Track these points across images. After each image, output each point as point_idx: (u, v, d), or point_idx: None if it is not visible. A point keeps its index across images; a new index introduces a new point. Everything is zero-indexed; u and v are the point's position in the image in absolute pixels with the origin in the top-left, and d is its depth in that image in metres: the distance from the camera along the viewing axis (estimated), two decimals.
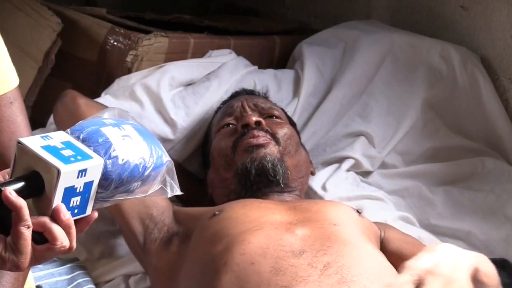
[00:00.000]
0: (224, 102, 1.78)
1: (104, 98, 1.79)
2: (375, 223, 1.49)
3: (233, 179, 1.56)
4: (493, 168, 1.81)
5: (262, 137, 1.57)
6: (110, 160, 0.95)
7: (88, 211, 0.97)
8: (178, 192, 1.05)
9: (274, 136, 1.59)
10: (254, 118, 1.61)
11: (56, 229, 0.93)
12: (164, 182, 1.04)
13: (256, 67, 2.00)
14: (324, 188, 1.74)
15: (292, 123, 1.75)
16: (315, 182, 1.74)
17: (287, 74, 1.99)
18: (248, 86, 1.90)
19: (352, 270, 1.21)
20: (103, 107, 1.72)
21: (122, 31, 1.88)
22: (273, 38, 2.15)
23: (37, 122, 1.76)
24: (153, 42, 1.87)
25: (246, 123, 1.61)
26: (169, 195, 1.04)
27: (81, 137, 0.97)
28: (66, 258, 1.65)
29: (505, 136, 1.88)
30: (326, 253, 1.24)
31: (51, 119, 1.78)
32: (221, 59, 1.95)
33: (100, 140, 0.96)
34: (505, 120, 1.88)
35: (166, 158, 1.03)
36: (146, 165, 0.98)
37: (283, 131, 1.62)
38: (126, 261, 1.63)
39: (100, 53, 1.90)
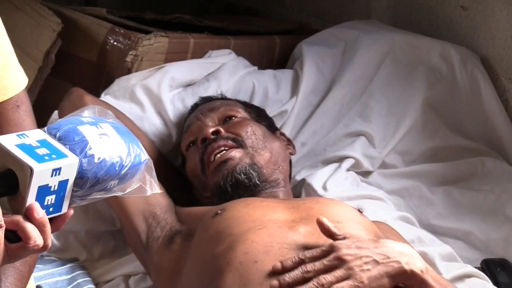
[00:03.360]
0: (186, 118, 1.76)
1: (104, 99, 1.79)
2: (378, 224, 1.49)
3: (212, 197, 1.56)
4: (493, 168, 1.81)
5: (224, 149, 1.55)
6: (86, 159, 0.95)
7: (64, 209, 0.97)
8: (157, 190, 1.05)
9: (236, 140, 1.58)
10: (211, 130, 1.59)
11: (30, 228, 0.93)
12: (143, 181, 1.04)
13: (255, 67, 2.00)
14: (324, 187, 1.74)
15: (258, 112, 1.73)
16: (316, 182, 1.74)
17: (286, 74, 1.98)
18: (247, 87, 1.90)
19: None
20: (109, 105, 1.72)
21: (122, 31, 1.88)
22: (273, 38, 2.15)
23: (37, 122, 1.75)
24: (153, 42, 1.87)
25: (203, 138, 1.60)
26: (149, 193, 1.05)
27: (57, 135, 0.97)
28: (66, 258, 1.65)
29: (505, 136, 1.88)
30: None
31: (52, 118, 1.78)
32: (221, 60, 1.95)
33: (77, 138, 0.96)
34: (505, 120, 1.88)
35: (144, 156, 1.03)
36: (123, 163, 0.98)
37: (245, 130, 1.60)
38: (126, 261, 1.63)
39: (100, 53, 1.90)
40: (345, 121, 1.91)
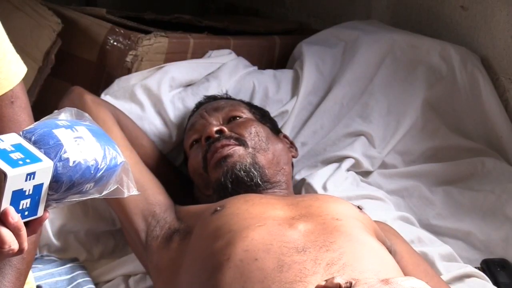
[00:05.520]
0: (190, 117, 1.76)
1: (104, 99, 1.79)
2: (378, 224, 1.48)
3: (213, 195, 1.56)
4: (493, 168, 1.82)
5: (226, 147, 1.55)
6: (61, 163, 0.95)
7: (40, 212, 0.97)
8: (135, 192, 1.05)
9: (239, 140, 1.58)
10: (215, 128, 1.59)
11: (4, 232, 0.93)
12: (120, 182, 1.04)
13: (255, 67, 2.00)
14: (324, 187, 1.74)
15: (262, 113, 1.73)
16: (316, 181, 1.74)
17: (286, 74, 1.98)
18: (248, 87, 1.90)
19: (356, 268, 1.20)
20: (109, 104, 1.73)
21: (122, 31, 1.88)
22: (273, 38, 2.15)
23: None
24: (153, 42, 1.87)
25: (207, 136, 1.60)
26: (126, 195, 1.05)
27: (32, 139, 0.97)
28: (66, 258, 1.65)
29: (505, 136, 1.88)
30: (329, 249, 1.24)
31: None
32: (221, 60, 1.95)
33: (51, 142, 0.96)
34: (505, 120, 1.89)
35: (120, 159, 1.03)
36: (99, 166, 0.99)
37: (248, 131, 1.61)
38: (126, 261, 1.63)
39: (100, 53, 1.90)
40: (345, 121, 1.91)
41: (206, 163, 1.58)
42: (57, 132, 0.98)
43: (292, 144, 1.73)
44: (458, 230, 1.73)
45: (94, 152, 0.99)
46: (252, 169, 1.53)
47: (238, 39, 2.07)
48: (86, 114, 1.06)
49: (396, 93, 1.94)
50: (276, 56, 2.14)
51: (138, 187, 1.52)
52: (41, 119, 1.02)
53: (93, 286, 1.58)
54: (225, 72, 1.90)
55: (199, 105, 1.77)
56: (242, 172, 1.52)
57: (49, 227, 1.65)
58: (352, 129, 1.89)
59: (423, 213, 1.78)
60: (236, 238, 1.28)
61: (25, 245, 0.96)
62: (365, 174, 1.85)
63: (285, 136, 1.74)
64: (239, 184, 1.52)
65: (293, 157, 1.70)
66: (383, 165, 1.87)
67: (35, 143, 0.96)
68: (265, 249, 1.25)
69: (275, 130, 1.71)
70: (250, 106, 1.75)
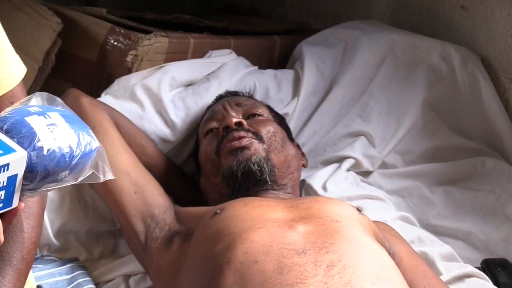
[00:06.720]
0: (210, 107, 1.78)
1: (104, 99, 1.79)
2: (378, 224, 1.49)
3: (221, 183, 1.56)
4: (493, 168, 1.82)
5: (244, 138, 1.56)
6: (35, 152, 0.93)
7: (15, 203, 0.95)
8: (111, 176, 1.03)
9: (256, 134, 1.59)
10: (235, 120, 1.61)
11: None
12: (96, 168, 1.01)
13: (256, 67, 2.00)
14: (324, 188, 1.74)
15: (280, 118, 1.75)
16: (316, 182, 1.74)
17: (287, 74, 1.99)
18: (248, 86, 1.90)
19: (356, 269, 1.21)
20: (106, 106, 1.73)
21: (122, 31, 1.88)
22: (273, 38, 2.15)
23: None
24: (153, 42, 1.87)
25: (226, 125, 1.61)
26: (102, 180, 1.02)
27: (4, 128, 0.94)
28: (66, 258, 1.66)
29: (505, 136, 1.88)
30: (329, 251, 1.24)
31: None
32: (221, 59, 1.95)
33: (24, 130, 0.94)
34: (505, 120, 1.89)
35: (95, 144, 1.00)
36: (74, 154, 0.96)
37: (266, 129, 1.62)
38: (126, 261, 1.63)
39: (100, 53, 1.89)
40: (345, 121, 1.91)
41: (220, 148, 1.58)
42: (29, 119, 0.95)
43: (303, 155, 1.74)
44: (458, 230, 1.73)
45: (68, 139, 0.96)
46: (265, 165, 1.54)
47: (238, 39, 2.07)
48: (58, 99, 1.03)
49: (396, 93, 1.94)
50: (276, 56, 2.14)
51: (137, 189, 1.55)
52: (12, 106, 0.99)
53: (93, 286, 1.58)
54: (225, 72, 1.90)
55: (219, 97, 1.78)
56: (255, 166, 1.53)
57: (49, 227, 1.65)
58: (352, 129, 1.89)
59: (423, 213, 1.78)
60: (236, 241, 1.28)
61: (1, 237, 0.94)
62: (365, 174, 1.85)
63: (298, 145, 1.75)
64: (249, 177, 1.52)
65: (303, 166, 1.71)
66: (383, 165, 1.87)
67: (7, 132, 0.94)
68: (265, 251, 1.25)
69: (290, 136, 1.72)
70: (270, 109, 1.77)
